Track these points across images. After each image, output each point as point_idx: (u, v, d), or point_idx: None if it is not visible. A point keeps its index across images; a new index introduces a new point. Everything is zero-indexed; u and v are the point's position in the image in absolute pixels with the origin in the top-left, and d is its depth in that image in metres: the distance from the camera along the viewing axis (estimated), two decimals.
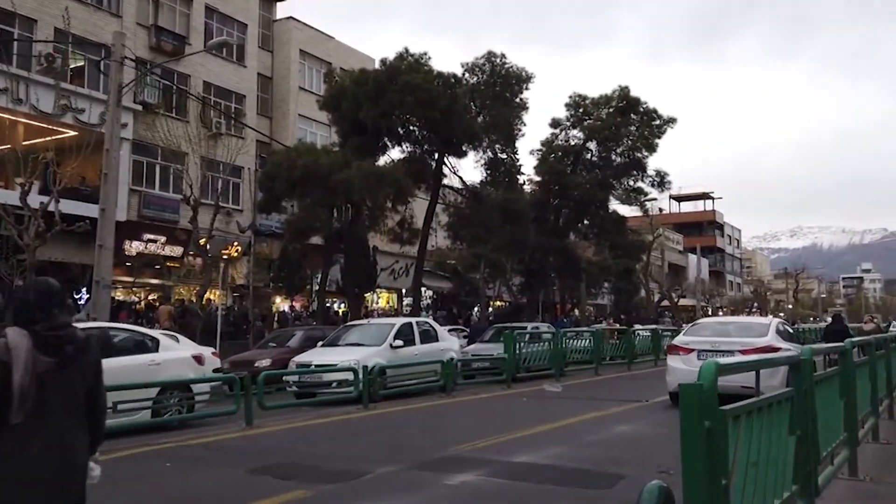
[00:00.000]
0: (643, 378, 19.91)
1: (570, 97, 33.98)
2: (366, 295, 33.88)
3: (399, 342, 15.86)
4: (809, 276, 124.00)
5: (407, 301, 41.50)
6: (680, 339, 14.04)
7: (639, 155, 33.42)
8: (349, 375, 14.05)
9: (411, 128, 25.95)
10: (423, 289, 36.54)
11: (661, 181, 34.32)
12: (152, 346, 11.51)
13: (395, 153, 27.34)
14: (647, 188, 35.31)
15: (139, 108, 26.89)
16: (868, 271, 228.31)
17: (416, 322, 17.68)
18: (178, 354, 11.88)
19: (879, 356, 9.83)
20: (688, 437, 3.06)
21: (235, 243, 29.25)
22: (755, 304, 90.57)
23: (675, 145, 61.75)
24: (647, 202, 42.74)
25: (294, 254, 27.10)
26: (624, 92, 33.10)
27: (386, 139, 25.93)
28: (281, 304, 32.65)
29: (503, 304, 45.60)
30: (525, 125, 29.35)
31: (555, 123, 34.28)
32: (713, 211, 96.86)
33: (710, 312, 75.31)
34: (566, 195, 33.12)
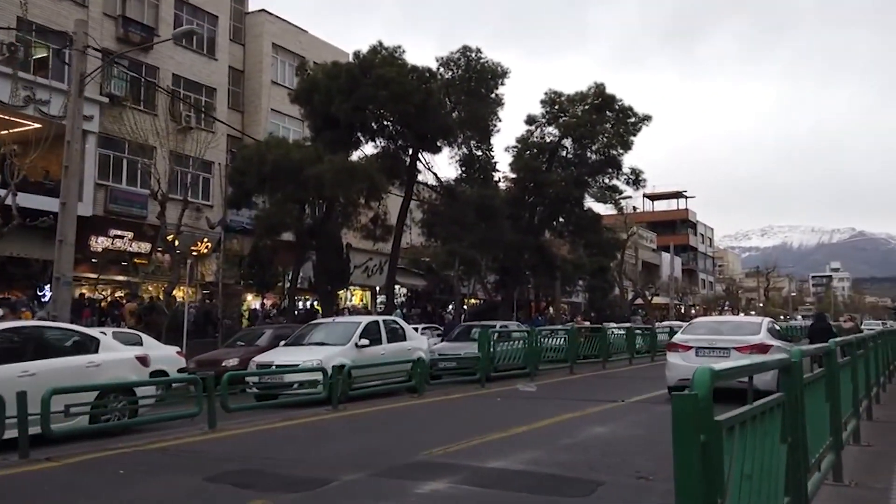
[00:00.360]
0: (618, 377, 19.74)
1: (546, 94, 33.72)
2: (339, 292, 33.44)
3: (365, 341, 15.29)
4: (780, 274, 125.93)
5: (381, 299, 41.11)
6: (679, 337, 14.70)
7: (614, 152, 33.25)
8: (315, 376, 13.62)
9: (385, 122, 25.48)
10: (397, 286, 36.17)
11: (636, 179, 34.21)
12: (91, 346, 10.84)
13: (369, 148, 26.89)
14: (622, 186, 35.21)
15: (105, 100, 26.22)
16: (837, 270, 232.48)
17: (384, 320, 17.09)
18: (119, 355, 11.26)
19: (860, 356, 9.67)
20: (682, 453, 2.72)
21: (205, 239, 28.74)
22: (727, 303, 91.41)
23: (650, 144, 61.99)
24: (621, 200, 42.77)
25: (265, 250, 26.55)
26: (599, 89, 32.90)
27: (359, 134, 25.43)
28: (252, 301, 32.07)
29: (478, 301, 45.35)
30: (500, 121, 29.05)
31: (530, 120, 34.00)
32: (686, 210, 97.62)
33: (682, 311, 75.86)
34: (541, 192, 32.85)
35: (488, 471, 7.40)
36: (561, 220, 34.60)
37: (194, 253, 26.60)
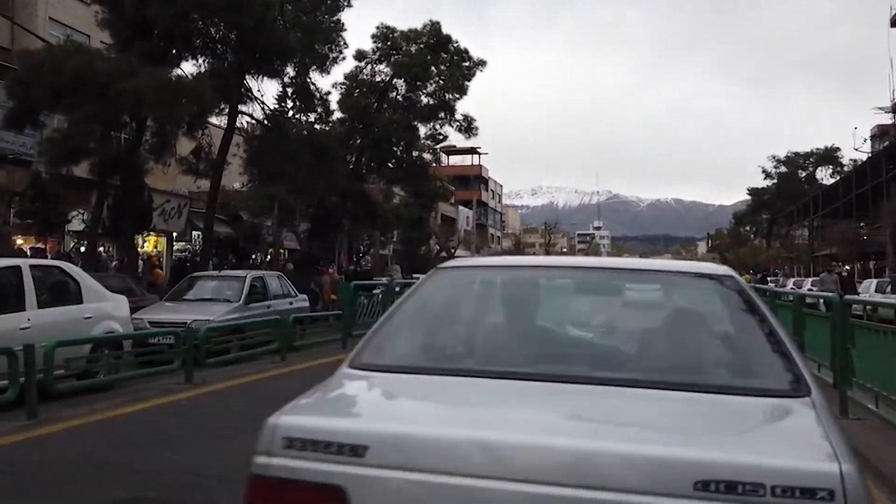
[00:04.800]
0: None
1: (378, 28, 31.17)
2: (136, 238, 28.98)
3: None
4: (555, 231, 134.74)
5: (178, 246, 36.85)
6: None
7: (448, 96, 31.56)
8: None
9: (211, 36, 21.52)
10: (194, 232, 32.40)
11: (468, 126, 32.79)
12: None
13: (188, 67, 22.70)
14: (454, 133, 33.70)
15: None
16: (599, 228, 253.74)
17: (33, 267, 9.76)
18: None
19: None
20: None
21: None
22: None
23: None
24: (442, 150, 41.52)
25: (52, 183, 21.76)
26: (435, 27, 30.92)
27: (180, 48, 21.28)
28: (25, 245, 26.75)
29: (284, 251, 42.19)
30: (347, 46, 26.02)
31: (360, 56, 31.29)
32: (480, 166, 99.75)
33: None
34: (370, 135, 30.39)
35: None
36: (390, 165, 32.37)
37: None
